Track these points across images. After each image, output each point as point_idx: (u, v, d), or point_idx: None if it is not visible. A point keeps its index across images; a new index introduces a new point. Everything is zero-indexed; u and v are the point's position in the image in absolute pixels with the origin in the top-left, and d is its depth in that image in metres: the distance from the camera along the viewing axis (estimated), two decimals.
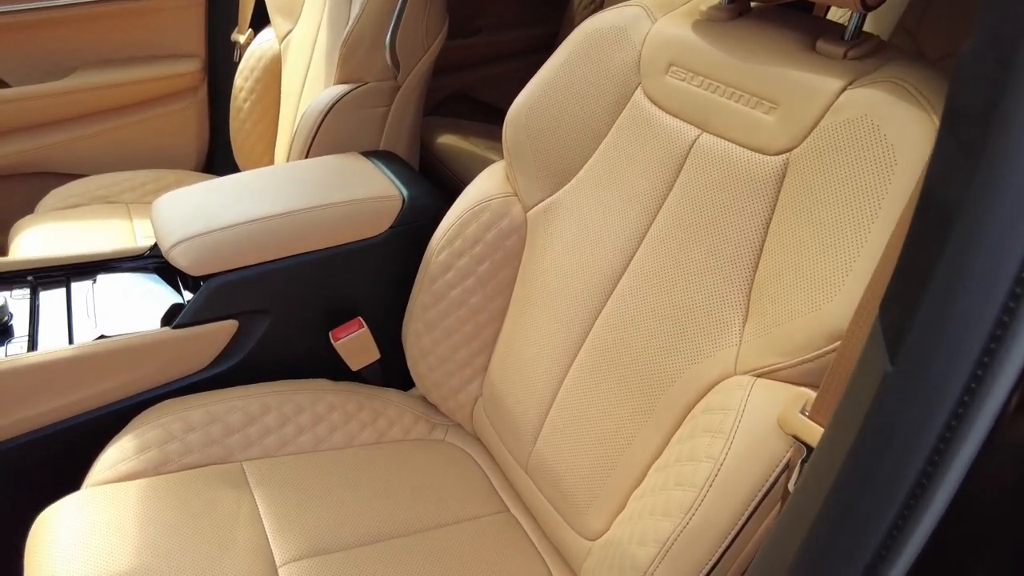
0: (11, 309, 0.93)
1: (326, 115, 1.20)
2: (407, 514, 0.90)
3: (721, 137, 0.75)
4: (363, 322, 1.05)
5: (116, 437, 0.87)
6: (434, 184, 1.15)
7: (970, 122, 0.28)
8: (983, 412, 0.30)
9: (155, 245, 1.12)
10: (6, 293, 0.93)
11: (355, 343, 1.05)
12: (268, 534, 0.82)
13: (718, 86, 0.75)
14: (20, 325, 0.93)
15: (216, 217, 0.97)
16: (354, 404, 1.02)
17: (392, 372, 1.12)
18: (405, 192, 1.07)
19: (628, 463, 0.79)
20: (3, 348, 0.88)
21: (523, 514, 0.96)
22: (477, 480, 1.00)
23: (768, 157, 0.70)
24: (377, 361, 1.10)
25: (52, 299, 0.99)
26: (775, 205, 0.70)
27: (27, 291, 0.99)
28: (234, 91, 1.57)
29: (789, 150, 0.69)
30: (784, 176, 0.69)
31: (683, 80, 0.78)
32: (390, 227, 1.05)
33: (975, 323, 0.29)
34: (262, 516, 0.84)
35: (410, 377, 1.07)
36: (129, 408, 0.92)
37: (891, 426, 0.33)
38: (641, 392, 0.78)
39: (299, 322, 1.02)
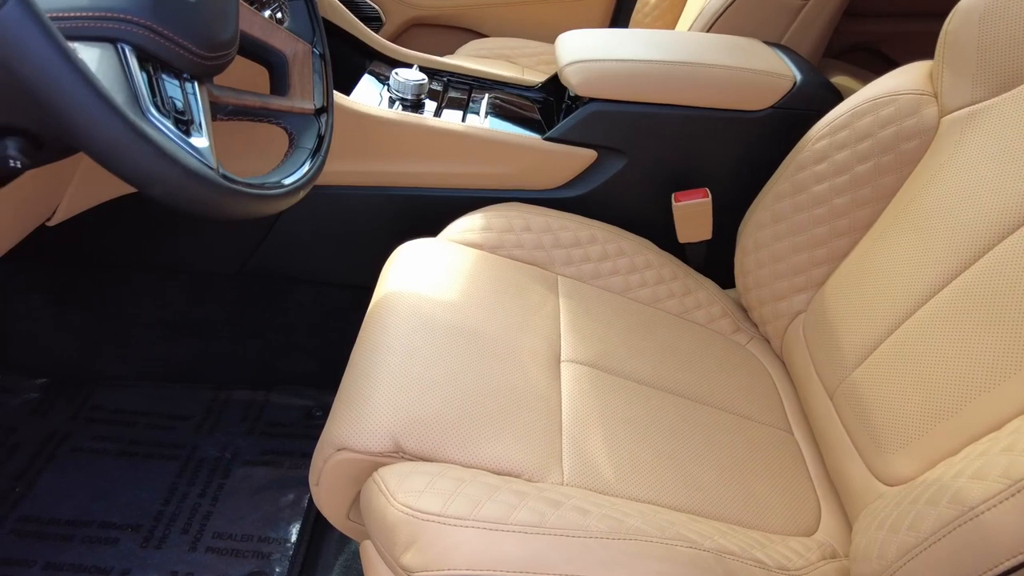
0: (427, 91, 1.10)
1: None
2: (689, 380, 0.87)
3: None
4: (709, 193, 1.03)
5: (471, 213, 0.98)
6: None
7: None
8: None
9: (542, 83, 1.22)
10: (427, 81, 1.10)
11: (694, 211, 1.02)
12: (561, 332, 0.86)
13: None
14: (430, 104, 1.09)
15: (611, 50, 1.01)
16: (669, 272, 1.01)
17: (714, 263, 1.08)
18: (799, 76, 1.00)
19: (980, 409, 0.65)
20: (416, 114, 1.05)
21: (806, 440, 0.87)
22: (767, 391, 0.92)
23: None
24: (706, 242, 1.07)
25: (457, 98, 1.14)
26: None
27: (440, 87, 1.16)
28: None
29: None
30: None
31: None
32: (772, 106, 0.99)
33: None
34: (561, 318, 0.88)
35: (731, 277, 1.02)
36: (487, 199, 1.03)
37: None
38: None
39: (648, 173, 1.03)
